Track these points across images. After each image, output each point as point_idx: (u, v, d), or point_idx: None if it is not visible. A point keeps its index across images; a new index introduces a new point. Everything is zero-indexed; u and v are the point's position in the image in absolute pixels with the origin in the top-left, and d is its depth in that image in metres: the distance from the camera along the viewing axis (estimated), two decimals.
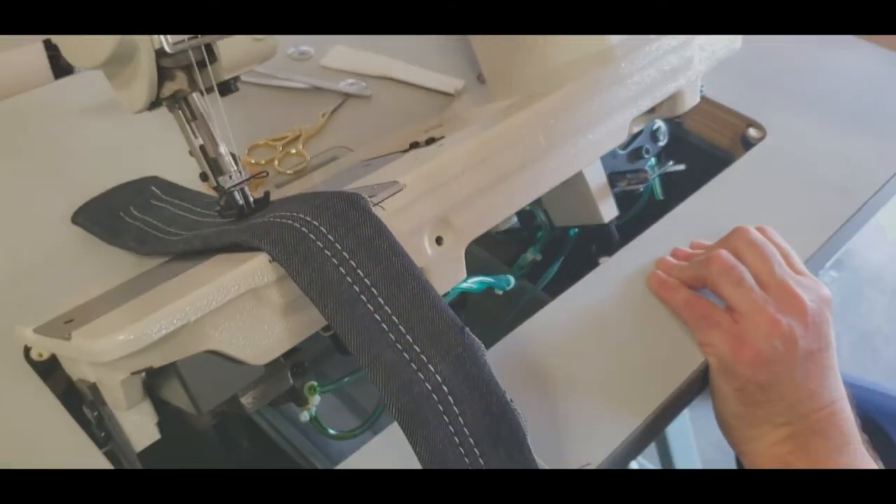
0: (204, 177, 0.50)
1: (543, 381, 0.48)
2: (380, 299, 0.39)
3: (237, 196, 0.48)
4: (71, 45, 0.45)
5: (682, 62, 0.60)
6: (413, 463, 0.37)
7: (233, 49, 0.46)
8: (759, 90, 0.75)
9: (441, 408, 0.37)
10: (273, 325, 0.41)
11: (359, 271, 0.39)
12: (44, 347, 0.44)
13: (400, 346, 0.38)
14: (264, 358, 0.41)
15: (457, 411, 0.37)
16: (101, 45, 0.43)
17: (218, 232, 0.45)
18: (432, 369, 0.37)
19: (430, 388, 0.37)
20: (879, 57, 0.79)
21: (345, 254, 0.40)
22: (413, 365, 0.37)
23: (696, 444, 1.10)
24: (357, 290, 0.39)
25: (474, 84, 0.76)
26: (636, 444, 0.48)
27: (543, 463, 0.39)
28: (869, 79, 0.77)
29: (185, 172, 0.59)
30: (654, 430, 0.49)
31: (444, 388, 0.37)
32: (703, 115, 0.74)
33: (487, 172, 0.49)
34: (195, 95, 0.47)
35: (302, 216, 0.41)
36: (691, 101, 0.62)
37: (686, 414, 1.08)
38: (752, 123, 0.71)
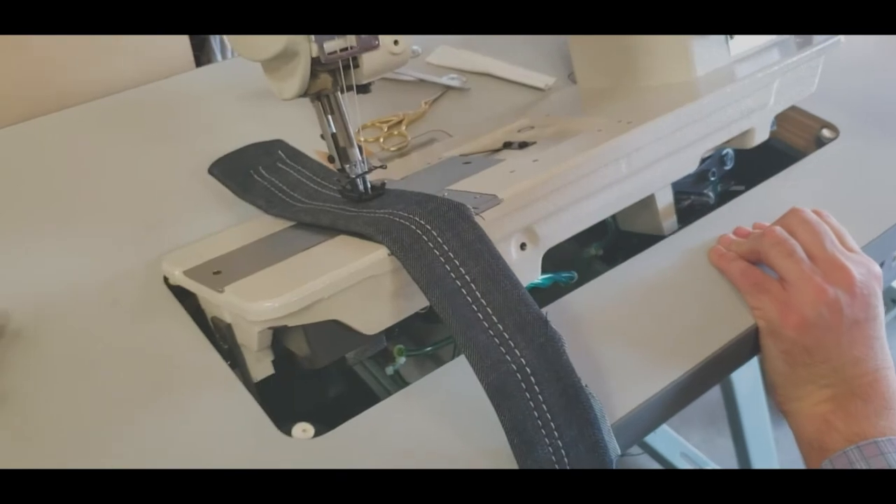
0: (332, 159, 0.59)
1: (602, 333, 0.54)
2: (477, 293, 0.47)
3: (359, 183, 0.57)
4: (242, 41, 0.53)
5: (758, 104, 0.67)
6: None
7: (373, 59, 0.54)
8: (836, 93, 0.78)
9: (524, 385, 0.44)
10: (384, 304, 0.51)
11: (461, 269, 0.48)
12: (192, 289, 0.54)
13: (492, 333, 0.46)
14: (374, 329, 0.51)
15: (537, 390, 0.44)
16: (271, 45, 0.51)
17: (346, 216, 0.54)
18: (518, 353, 0.45)
19: (515, 368, 0.44)
20: None
21: (450, 254, 0.48)
22: (502, 348, 0.45)
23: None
24: (459, 284, 0.47)
25: (564, 81, 0.83)
26: (683, 392, 0.53)
27: (613, 441, 0.45)
28: None
29: (309, 145, 0.68)
30: (700, 383, 0.54)
31: (528, 370, 0.44)
32: (780, 117, 0.77)
33: (572, 193, 0.57)
34: (336, 93, 0.56)
35: (417, 219, 0.50)
36: (761, 137, 0.69)
37: (769, 430, 1.17)
38: (826, 125, 0.75)
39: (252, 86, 0.82)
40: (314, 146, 0.72)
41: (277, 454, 0.46)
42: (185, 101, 0.82)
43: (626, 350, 0.53)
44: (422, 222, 0.50)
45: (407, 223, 0.50)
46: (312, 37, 0.51)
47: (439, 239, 0.49)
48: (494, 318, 0.46)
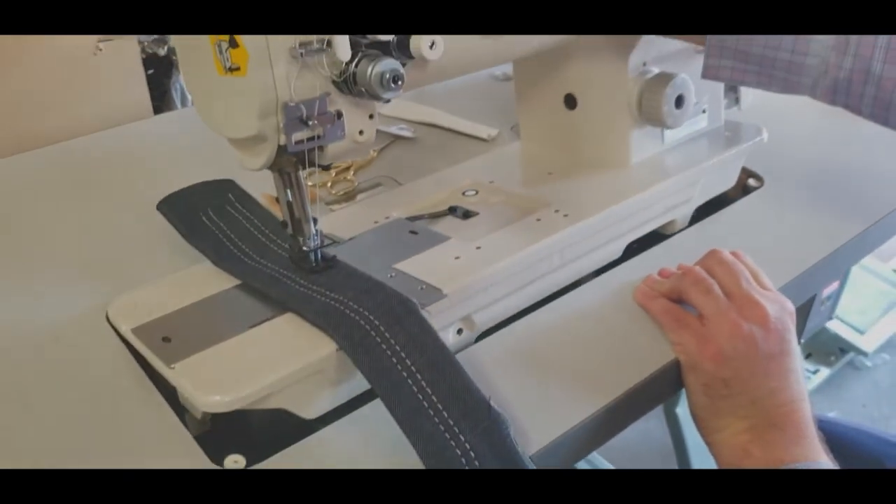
0: (285, 225, 0.61)
1: (529, 364, 0.57)
2: (423, 383, 0.50)
3: (311, 256, 0.60)
4: (220, 120, 0.55)
5: (683, 199, 0.72)
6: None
7: (337, 147, 0.56)
8: (763, 146, 0.81)
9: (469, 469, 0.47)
10: (327, 391, 0.54)
11: (407, 361, 0.51)
12: (141, 351, 0.56)
13: (437, 420, 0.49)
14: (317, 413, 0.54)
15: (479, 467, 0.47)
16: (244, 129, 0.53)
17: (297, 296, 0.56)
18: (463, 439, 0.48)
19: (459, 453, 0.47)
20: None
21: (397, 347, 0.52)
22: (447, 434, 0.48)
23: None
24: (405, 374, 0.50)
25: (508, 133, 0.87)
26: (607, 423, 0.55)
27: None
28: (867, 146, 0.86)
29: (258, 187, 0.70)
30: (624, 415, 0.57)
31: (472, 454, 0.47)
32: None
33: (510, 285, 0.61)
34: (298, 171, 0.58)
35: (367, 314, 0.53)
36: (682, 225, 0.75)
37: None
38: (752, 174, 0.80)
39: (208, 133, 0.83)
40: (263, 189, 0.74)
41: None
42: (140, 146, 0.85)
43: (551, 382, 0.56)
44: (371, 317, 0.53)
45: (356, 317, 0.53)
46: (282, 125, 0.53)
47: (387, 334, 0.53)
48: (440, 405, 0.49)
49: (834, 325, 1.63)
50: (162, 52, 1.06)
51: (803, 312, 0.82)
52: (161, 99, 1.05)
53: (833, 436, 0.65)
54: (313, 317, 0.54)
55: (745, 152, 0.76)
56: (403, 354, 0.51)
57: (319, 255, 0.60)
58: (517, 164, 0.79)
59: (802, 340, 0.85)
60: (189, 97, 1.10)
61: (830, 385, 1.63)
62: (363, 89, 0.52)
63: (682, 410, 1.12)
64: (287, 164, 0.56)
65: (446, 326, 0.59)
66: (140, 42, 1.02)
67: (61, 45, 0.92)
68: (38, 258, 0.70)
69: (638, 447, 1.48)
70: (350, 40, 0.51)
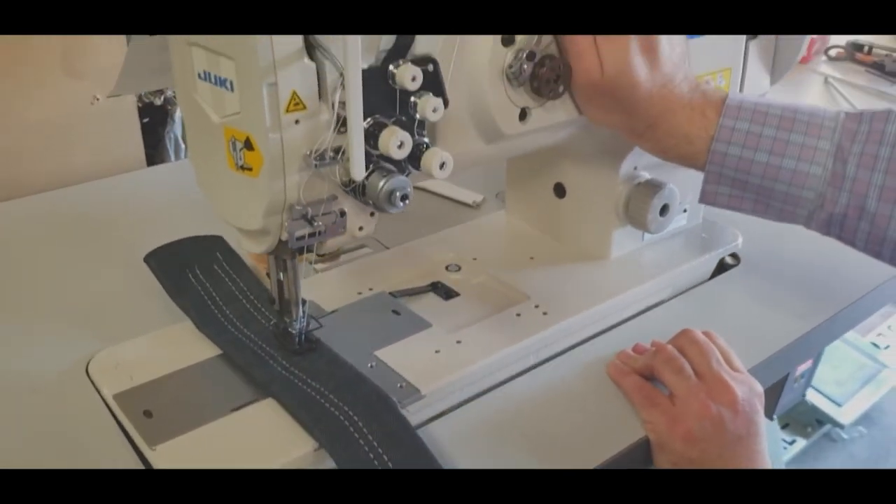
0: (272, 301, 0.62)
1: (501, 436, 0.59)
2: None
3: (294, 337, 0.61)
4: (224, 207, 0.55)
5: (658, 298, 0.75)
6: None
7: (336, 241, 0.57)
8: (741, 225, 0.84)
9: None
10: None
11: (384, 456, 0.53)
12: (121, 421, 0.57)
13: None
14: None
15: None
16: (251, 223, 0.54)
17: (280, 381, 0.58)
18: None
19: None
20: None
21: (374, 443, 0.53)
22: None
23: None
24: (381, 469, 0.52)
25: (493, 200, 0.89)
26: None
27: None
28: None
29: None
30: None
31: None
32: None
33: (484, 383, 0.63)
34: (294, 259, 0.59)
35: (347, 410, 0.55)
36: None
37: None
38: (732, 253, 0.82)
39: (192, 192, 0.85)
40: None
41: None
42: (132, 197, 0.86)
43: (521, 455, 0.57)
44: (350, 413, 0.55)
45: (336, 412, 0.55)
46: (286, 224, 0.54)
47: (364, 430, 0.54)
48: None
49: (812, 397, 1.66)
50: (158, 101, 1.05)
51: (776, 390, 0.85)
52: (155, 147, 1.06)
53: None
54: (295, 409, 0.56)
55: (720, 255, 0.79)
56: (381, 450, 0.53)
57: (304, 338, 0.62)
58: (501, 239, 0.80)
59: (776, 416, 0.88)
60: (183, 147, 1.12)
61: (807, 456, 1.65)
62: (370, 201, 0.54)
63: None
64: (285, 252, 0.58)
65: (423, 423, 0.60)
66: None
67: (60, 93, 0.93)
68: (22, 306, 0.70)
69: None
70: None
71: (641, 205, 0.71)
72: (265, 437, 0.55)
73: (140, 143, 1.01)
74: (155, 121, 1.08)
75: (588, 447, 0.58)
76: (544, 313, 0.68)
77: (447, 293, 0.72)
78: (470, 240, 0.80)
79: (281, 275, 0.60)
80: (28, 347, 0.65)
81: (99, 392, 0.59)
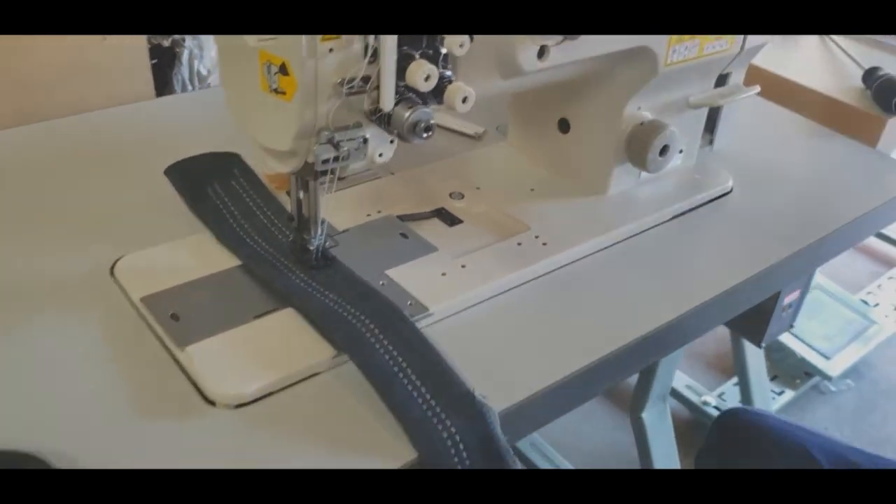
0: (291, 218, 0.66)
1: (494, 337, 0.63)
2: (413, 376, 0.56)
3: (312, 253, 0.65)
4: (255, 128, 0.58)
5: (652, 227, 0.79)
6: None
7: (356, 166, 0.61)
8: (731, 153, 0.91)
9: (453, 451, 0.53)
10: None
11: (399, 358, 0.57)
12: (150, 322, 0.60)
13: (425, 408, 0.55)
14: None
15: (465, 455, 0.53)
16: (281, 144, 0.57)
17: (299, 293, 0.61)
18: (449, 424, 0.54)
19: (446, 436, 0.53)
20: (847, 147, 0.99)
21: (390, 347, 0.58)
22: (434, 420, 0.54)
23: None
24: (397, 370, 0.57)
25: (493, 132, 0.92)
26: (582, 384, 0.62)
27: None
28: (831, 169, 0.94)
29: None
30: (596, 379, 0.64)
31: (457, 438, 0.53)
32: None
33: (489, 304, 0.68)
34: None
35: (363, 318, 0.59)
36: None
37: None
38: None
39: (213, 113, 0.90)
40: (265, 166, 0.77)
41: (202, 423, 0.54)
42: (146, 123, 0.89)
43: (535, 342, 0.63)
44: (366, 320, 0.59)
45: (353, 320, 0.59)
46: (314, 147, 0.57)
47: (381, 335, 0.59)
48: (428, 396, 0.55)
49: (801, 349, 1.73)
50: (166, 43, 1.07)
51: (765, 317, 0.90)
52: (163, 89, 1.08)
53: (762, 427, 0.74)
54: (314, 317, 0.60)
55: (711, 196, 0.83)
56: (396, 353, 0.58)
57: (320, 254, 0.65)
58: (502, 170, 0.84)
59: (764, 345, 0.93)
60: (189, 87, 1.14)
61: (794, 407, 1.72)
62: (395, 131, 0.57)
63: (648, 415, 1.20)
64: (308, 173, 0.61)
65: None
66: None
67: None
68: (46, 217, 0.73)
69: (604, 455, 1.57)
70: None
71: (643, 144, 0.74)
72: (287, 343, 0.59)
73: (150, 81, 1.03)
74: (163, 62, 1.11)
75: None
76: (544, 244, 0.72)
77: (451, 220, 0.75)
78: (472, 170, 0.83)
79: (301, 194, 0.63)
80: (53, 253, 0.68)
81: (126, 294, 0.63)
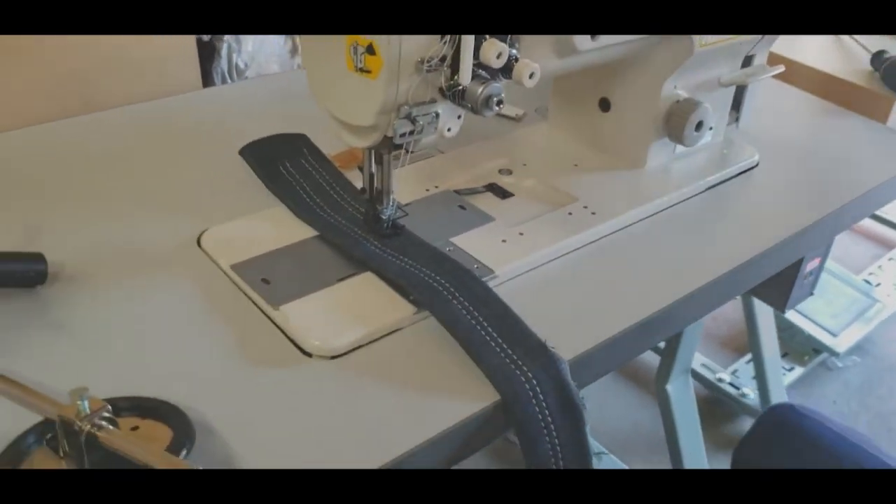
0: (363, 191, 0.71)
1: (558, 293, 0.63)
2: (489, 328, 0.62)
3: (384, 223, 0.70)
4: (338, 106, 0.64)
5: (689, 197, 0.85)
6: None
7: (427, 139, 0.66)
8: (757, 130, 0.98)
9: (531, 393, 0.58)
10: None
11: (475, 312, 0.63)
12: (241, 287, 0.66)
13: (503, 356, 0.60)
14: None
15: (542, 398, 0.58)
16: (364, 119, 0.62)
17: (377, 258, 0.67)
18: (526, 369, 0.59)
19: (524, 380, 0.58)
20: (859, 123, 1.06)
21: (466, 303, 0.63)
22: (512, 366, 0.59)
23: None
24: (474, 323, 0.62)
25: (532, 114, 0.97)
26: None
27: (597, 444, 0.61)
28: (846, 137, 1.02)
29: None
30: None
31: (534, 381, 0.59)
32: None
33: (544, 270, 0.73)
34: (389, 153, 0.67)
35: (438, 278, 0.65)
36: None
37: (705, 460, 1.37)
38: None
39: (261, 105, 0.97)
40: (327, 146, 0.83)
41: (303, 372, 0.59)
42: (205, 111, 0.95)
43: (592, 301, 0.69)
44: (442, 280, 0.65)
45: (430, 280, 0.65)
46: (394, 122, 0.62)
47: (456, 293, 0.64)
48: (504, 345, 0.61)
49: (809, 327, 1.80)
50: (206, 38, 1.13)
51: (788, 283, 0.96)
52: (205, 81, 1.15)
53: (807, 430, 0.79)
54: (394, 277, 0.65)
55: (739, 170, 0.89)
56: (472, 308, 0.63)
57: (392, 223, 0.71)
58: (546, 148, 0.89)
59: (788, 311, 0.99)
60: (229, 80, 1.22)
61: (803, 383, 1.79)
62: (468, 104, 0.62)
63: (672, 387, 1.26)
64: (383, 147, 0.66)
65: None
66: None
67: None
68: (130, 196, 0.78)
69: (629, 435, 1.61)
70: None
71: (681, 119, 0.80)
72: (370, 302, 0.64)
73: (198, 73, 1.10)
74: (202, 56, 1.16)
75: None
76: (592, 213, 0.77)
77: (503, 193, 0.81)
78: (517, 148, 0.89)
79: (374, 167, 0.68)
80: (142, 228, 0.73)
81: (215, 262, 0.68)
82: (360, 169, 0.71)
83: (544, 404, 0.58)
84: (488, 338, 0.61)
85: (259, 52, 1.29)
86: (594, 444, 1.55)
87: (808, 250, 0.91)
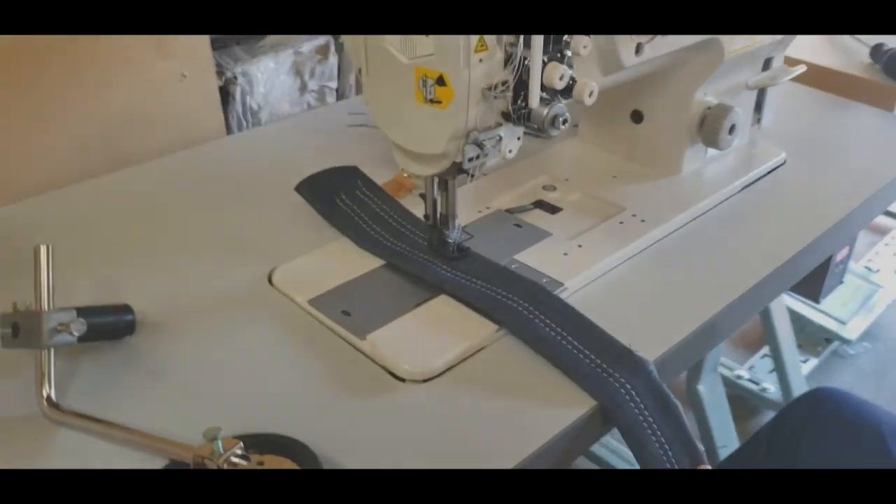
0: (427, 217, 0.73)
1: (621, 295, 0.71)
2: (574, 342, 0.64)
3: (450, 246, 0.72)
4: (407, 136, 0.66)
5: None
6: None
7: (490, 162, 0.68)
8: (783, 131, 1.01)
9: (628, 398, 0.60)
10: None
11: (557, 328, 0.65)
12: (320, 319, 0.67)
13: (593, 365, 0.62)
14: None
15: (638, 400, 0.60)
16: (433, 147, 0.64)
17: (452, 282, 0.69)
18: (618, 376, 0.61)
19: (618, 385, 0.61)
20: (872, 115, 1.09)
21: (547, 320, 0.65)
22: (605, 375, 0.62)
23: None
24: (559, 338, 0.64)
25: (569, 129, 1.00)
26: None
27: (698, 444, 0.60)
28: (861, 129, 1.06)
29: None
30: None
31: (628, 386, 0.61)
32: None
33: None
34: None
35: (515, 298, 0.67)
36: None
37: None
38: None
39: (287, 148, 1.00)
40: (375, 177, 0.85)
41: (399, 397, 0.61)
42: (239, 155, 0.98)
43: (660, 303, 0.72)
44: (518, 300, 0.67)
45: (508, 301, 0.67)
46: (464, 148, 0.64)
47: (535, 311, 0.66)
48: (592, 355, 0.63)
49: (819, 318, 1.83)
50: (220, 82, 1.16)
51: (821, 274, 0.99)
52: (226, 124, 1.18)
53: (840, 403, 0.81)
54: (470, 299, 0.67)
55: (769, 168, 0.92)
56: (553, 324, 0.65)
57: (457, 246, 0.73)
58: (582, 162, 0.92)
59: (822, 300, 1.01)
60: (244, 123, 1.24)
61: (819, 372, 1.82)
62: (535, 126, 0.64)
63: (703, 386, 1.28)
64: (448, 173, 0.68)
65: None
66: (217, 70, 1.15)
67: (151, 71, 1.04)
68: (193, 243, 0.79)
69: None
70: None
71: (716, 124, 0.83)
72: (452, 324, 0.66)
73: (222, 118, 1.13)
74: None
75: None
76: (642, 221, 0.80)
77: (552, 209, 0.83)
78: (555, 164, 0.91)
79: (437, 193, 0.70)
80: (211, 271, 0.74)
81: (291, 299, 0.70)
82: (422, 196, 0.73)
83: (642, 406, 0.60)
84: (575, 350, 0.63)
85: (270, 93, 1.31)
86: (623, 450, 1.58)
87: (840, 243, 0.95)
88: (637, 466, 0.59)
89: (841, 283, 1.04)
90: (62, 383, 0.61)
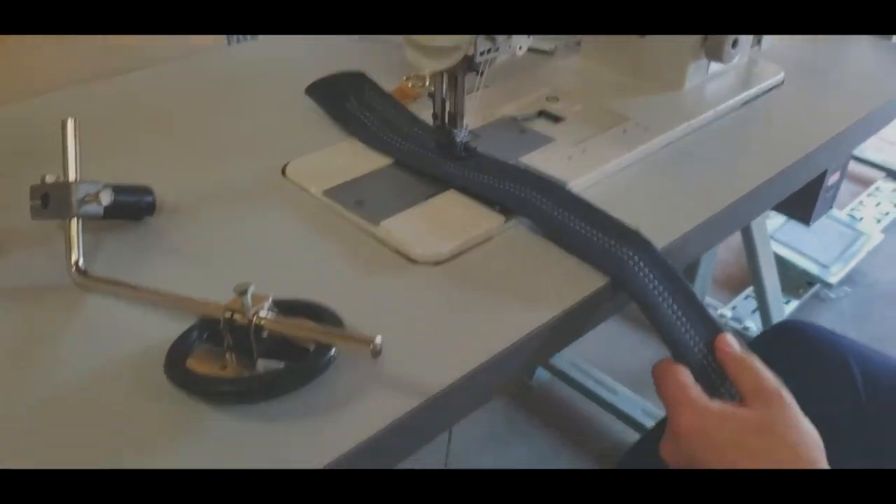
0: (435, 117, 0.75)
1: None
2: (581, 223, 0.66)
3: (459, 145, 0.74)
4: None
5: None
6: None
7: (500, 58, 0.70)
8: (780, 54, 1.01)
9: (636, 268, 0.62)
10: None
11: (565, 212, 0.66)
12: (334, 209, 0.69)
13: (601, 242, 0.64)
14: None
15: (643, 265, 0.62)
16: (445, 40, 0.66)
17: (460, 177, 0.71)
18: (625, 250, 0.63)
19: (626, 258, 0.62)
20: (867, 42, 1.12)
21: (554, 205, 0.67)
22: (613, 249, 0.63)
23: None
24: (566, 220, 0.66)
25: (562, 47, 1.02)
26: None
27: (611, 380, 0.66)
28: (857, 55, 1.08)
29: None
30: None
31: (636, 258, 0.62)
32: None
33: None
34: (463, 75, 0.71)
35: (523, 188, 0.69)
36: None
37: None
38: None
39: (292, 58, 1.00)
40: (381, 83, 0.86)
41: (412, 277, 0.63)
42: (239, 64, 0.99)
43: (667, 202, 0.69)
44: (528, 190, 0.69)
45: (516, 192, 0.69)
46: (477, 40, 0.65)
47: (543, 199, 0.68)
48: (600, 234, 0.65)
49: (801, 261, 1.90)
50: None
51: (812, 196, 1.02)
52: None
53: (809, 334, 0.85)
54: (480, 192, 0.69)
55: (768, 87, 0.94)
56: (561, 209, 0.67)
57: (464, 146, 0.74)
58: (584, 76, 0.93)
59: (813, 222, 1.04)
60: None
61: (799, 314, 1.88)
62: None
63: None
64: (458, 69, 0.70)
65: None
66: None
67: None
68: (209, 136, 0.81)
69: (639, 373, 1.66)
70: None
71: (721, 37, 0.85)
72: (462, 214, 0.68)
73: None
74: None
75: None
76: (645, 129, 0.82)
77: (555, 118, 0.85)
78: (557, 78, 0.93)
79: (446, 93, 0.72)
80: (226, 165, 0.76)
81: (305, 190, 0.72)
82: (431, 96, 0.74)
83: (651, 276, 0.62)
84: (583, 231, 0.65)
85: None
86: (608, 381, 1.62)
87: (832, 160, 0.97)
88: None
89: (832, 207, 1.07)
90: (87, 258, 0.62)
